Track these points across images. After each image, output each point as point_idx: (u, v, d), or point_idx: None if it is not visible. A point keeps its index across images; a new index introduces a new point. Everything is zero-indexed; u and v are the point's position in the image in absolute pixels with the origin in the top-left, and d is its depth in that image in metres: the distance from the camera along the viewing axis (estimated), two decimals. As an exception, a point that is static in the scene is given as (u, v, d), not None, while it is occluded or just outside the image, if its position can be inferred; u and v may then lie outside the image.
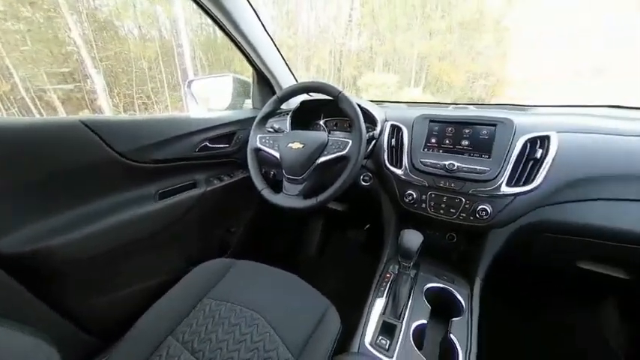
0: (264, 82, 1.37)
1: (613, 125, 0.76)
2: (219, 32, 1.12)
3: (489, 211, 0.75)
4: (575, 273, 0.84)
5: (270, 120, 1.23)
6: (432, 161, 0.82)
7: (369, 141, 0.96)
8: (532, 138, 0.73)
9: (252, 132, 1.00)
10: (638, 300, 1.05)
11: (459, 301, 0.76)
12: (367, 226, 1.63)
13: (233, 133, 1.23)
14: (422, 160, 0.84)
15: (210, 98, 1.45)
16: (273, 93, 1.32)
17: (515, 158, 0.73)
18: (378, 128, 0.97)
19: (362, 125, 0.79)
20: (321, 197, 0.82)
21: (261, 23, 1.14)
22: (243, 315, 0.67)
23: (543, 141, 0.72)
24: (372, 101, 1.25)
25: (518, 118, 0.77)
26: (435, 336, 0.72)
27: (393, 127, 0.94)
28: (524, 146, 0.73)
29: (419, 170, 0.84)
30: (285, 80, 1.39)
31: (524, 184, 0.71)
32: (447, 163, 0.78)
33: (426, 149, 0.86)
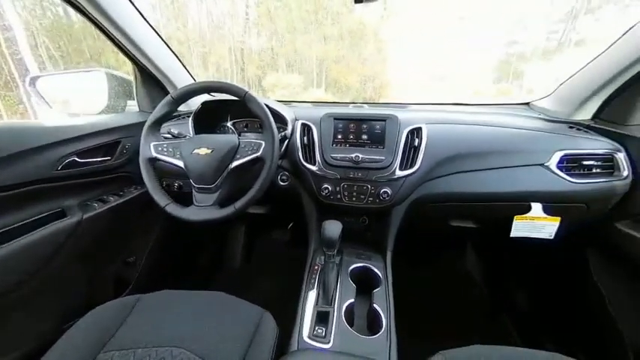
0: (151, 80, 1.17)
1: (460, 117, 1.04)
2: (74, 14, 0.88)
3: (390, 193, 0.89)
4: (450, 230, 1.11)
5: (166, 124, 1.07)
6: (341, 155, 0.91)
7: (282, 141, 0.97)
8: (411, 129, 0.91)
9: (142, 139, 0.84)
10: (483, 241, 1.51)
11: (377, 274, 0.87)
12: (291, 225, 1.65)
13: (117, 143, 1.00)
14: (332, 155, 0.92)
15: (73, 100, 1.13)
16: (166, 93, 1.14)
17: (402, 147, 0.89)
18: (289, 127, 0.99)
19: (273, 125, 0.79)
20: (240, 203, 0.77)
21: (137, 9, 0.96)
22: (161, 356, 0.56)
23: (419, 131, 0.91)
24: (279, 101, 1.26)
25: (400, 114, 0.95)
26: (362, 310, 0.80)
27: (303, 125, 0.98)
28: (407, 136, 0.90)
29: (331, 165, 0.92)
30: (179, 79, 1.22)
31: (410, 167, 0.88)
32: (353, 155, 0.89)
33: (334, 145, 0.95)
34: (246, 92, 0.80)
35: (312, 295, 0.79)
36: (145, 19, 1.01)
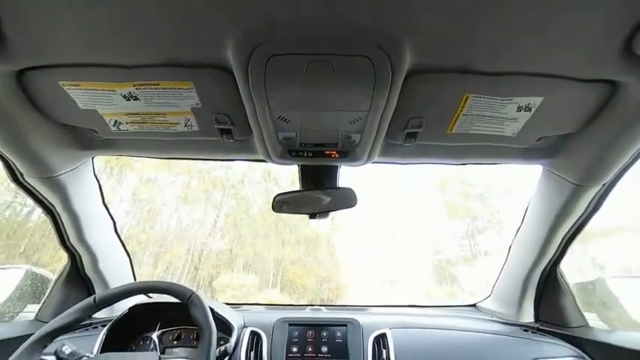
0: (78, 280, 1.01)
1: (421, 321, 1.00)
2: (38, 214, 0.90)
3: None
4: None
5: (62, 338, 0.80)
6: None
7: (219, 358, 0.75)
8: (376, 337, 0.81)
9: None
10: None
11: None
12: None
13: None
14: None
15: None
16: (89, 295, 0.97)
17: None
18: (233, 339, 0.81)
19: (213, 337, 0.64)
20: None
21: (109, 214, 1.03)
22: None
23: (384, 338, 0.81)
24: (228, 304, 1.13)
25: (361, 318, 0.88)
26: None
27: (252, 334, 0.82)
28: (374, 346, 0.78)
29: None
30: (117, 278, 1.09)
31: None
32: None
33: None
34: (193, 293, 0.71)
35: None
36: (113, 220, 1.06)
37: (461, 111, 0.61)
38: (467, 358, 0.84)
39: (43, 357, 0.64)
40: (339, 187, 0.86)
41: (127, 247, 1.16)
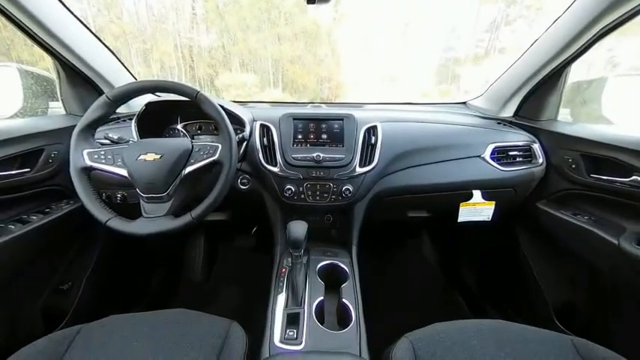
0: (79, 79, 1.02)
1: (409, 116, 1.12)
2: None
3: (351, 190, 0.92)
4: (407, 220, 1.20)
5: (102, 129, 0.94)
6: (302, 155, 0.91)
7: (240, 142, 0.93)
8: (368, 128, 0.95)
9: (73, 146, 0.73)
10: (436, 228, 1.66)
11: (344, 269, 0.90)
12: (255, 229, 1.60)
13: (39, 151, 0.85)
14: (293, 155, 0.92)
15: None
16: (99, 93, 1.01)
17: (360, 145, 0.93)
18: (247, 129, 0.96)
19: (229, 127, 0.75)
20: (197, 211, 0.72)
21: None
22: None
23: (374, 129, 0.96)
24: (235, 102, 1.21)
25: (357, 113, 0.99)
26: (332, 306, 0.82)
27: (262, 126, 0.96)
28: (365, 135, 0.95)
29: (292, 165, 0.91)
30: (117, 77, 1.09)
31: (369, 164, 0.93)
32: (314, 154, 0.90)
33: (295, 145, 0.95)
34: (198, 92, 0.74)
35: (281, 299, 0.78)
36: (65, 6, 0.87)
37: None
38: (434, 142, 1.02)
39: (97, 141, 0.79)
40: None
41: (107, 43, 1.05)
